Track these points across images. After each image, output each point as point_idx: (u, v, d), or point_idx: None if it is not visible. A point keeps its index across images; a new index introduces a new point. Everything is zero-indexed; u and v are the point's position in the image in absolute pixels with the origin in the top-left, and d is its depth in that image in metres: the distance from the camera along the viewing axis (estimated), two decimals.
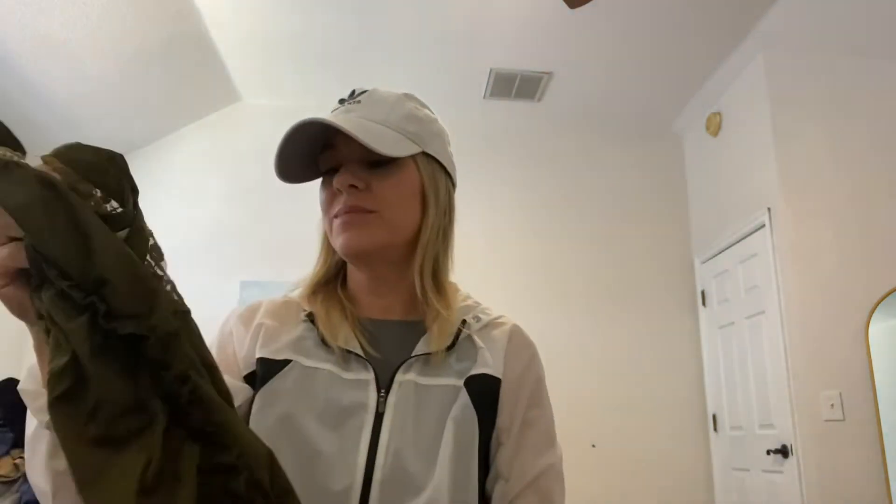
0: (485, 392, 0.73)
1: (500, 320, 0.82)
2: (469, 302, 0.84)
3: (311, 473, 0.66)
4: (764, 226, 3.20)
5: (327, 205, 0.78)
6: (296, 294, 0.83)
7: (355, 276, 0.83)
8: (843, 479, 2.59)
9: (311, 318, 0.78)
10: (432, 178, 0.79)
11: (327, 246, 0.83)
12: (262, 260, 3.71)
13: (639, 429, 3.67)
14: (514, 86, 3.80)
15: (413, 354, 0.74)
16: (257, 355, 0.74)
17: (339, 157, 0.76)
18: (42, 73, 3.05)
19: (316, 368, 0.73)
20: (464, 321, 0.79)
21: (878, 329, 2.54)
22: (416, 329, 0.78)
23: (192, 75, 3.63)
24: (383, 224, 0.75)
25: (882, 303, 2.51)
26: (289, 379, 0.72)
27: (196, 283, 3.74)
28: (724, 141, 3.69)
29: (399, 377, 0.73)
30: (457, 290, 0.84)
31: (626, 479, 3.55)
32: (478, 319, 0.80)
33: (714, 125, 3.75)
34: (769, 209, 3.17)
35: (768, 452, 3.04)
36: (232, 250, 3.77)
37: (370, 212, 0.75)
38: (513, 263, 3.88)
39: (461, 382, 0.73)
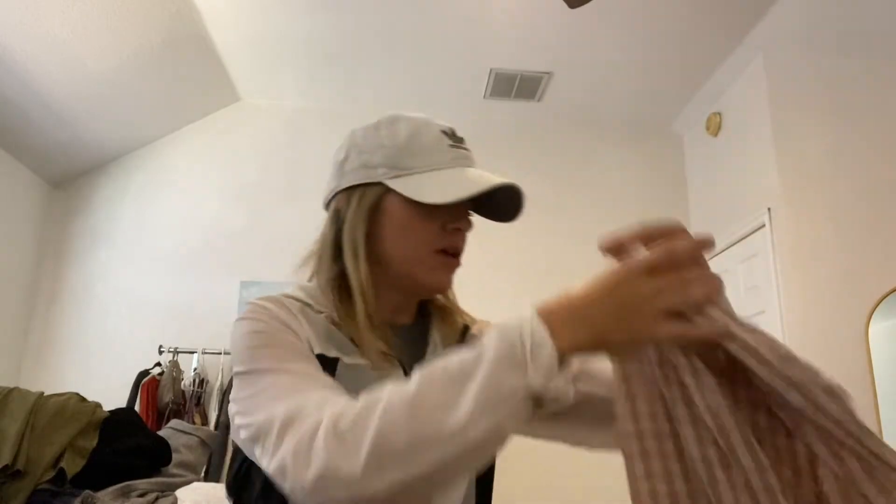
0: None
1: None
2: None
3: None
4: (764, 226, 3.19)
5: (431, 237, 0.80)
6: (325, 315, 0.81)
7: (391, 297, 0.85)
8: None
9: (336, 324, 0.80)
10: None
11: (374, 278, 0.81)
12: (262, 260, 3.71)
13: None
14: (514, 86, 3.80)
15: (431, 350, 0.84)
16: (315, 351, 0.76)
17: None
18: (42, 72, 3.05)
19: (357, 365, 0.77)
20: (467, 327, 0.89)
21: (878, 329, 2.53)
22: (422, 330, 0.88)
23: (192, 75, 3.63)
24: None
25: (882, 303, 2.50)
26: (343, 375, 0.75)
27: (196, 283, 3.76)
28: (724, 141, 3.69)
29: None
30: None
31: (626, 480, 3.54)
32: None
33: (714, 125, 3.75)
34: (769, 209, 3.16)
35: None
36: (232, 250, 3.77)
37: None
38: (511, 264, 3.88)
39: None
